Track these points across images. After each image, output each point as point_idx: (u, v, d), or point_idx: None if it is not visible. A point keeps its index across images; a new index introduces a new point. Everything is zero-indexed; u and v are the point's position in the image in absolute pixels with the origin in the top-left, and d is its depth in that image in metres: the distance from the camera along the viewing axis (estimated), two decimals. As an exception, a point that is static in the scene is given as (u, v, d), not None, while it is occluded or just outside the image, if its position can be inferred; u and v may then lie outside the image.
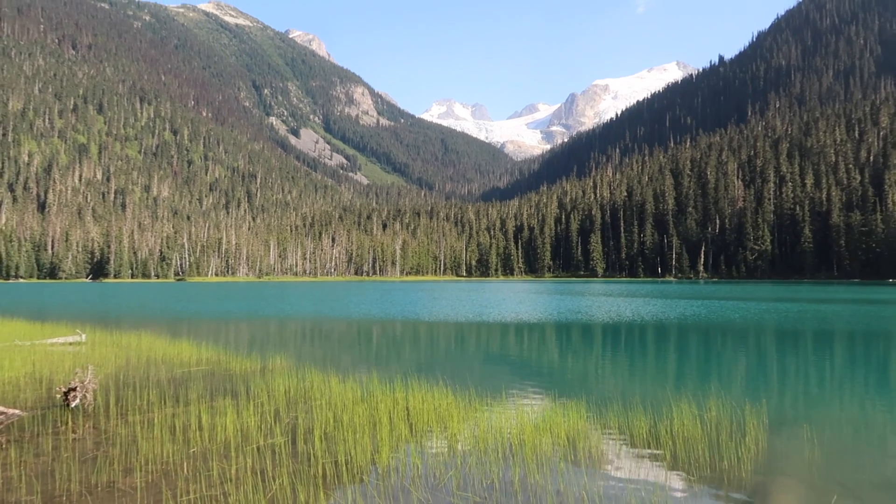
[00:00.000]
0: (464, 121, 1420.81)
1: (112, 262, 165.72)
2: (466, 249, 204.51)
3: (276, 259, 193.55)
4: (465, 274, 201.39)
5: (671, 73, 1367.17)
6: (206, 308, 46.17)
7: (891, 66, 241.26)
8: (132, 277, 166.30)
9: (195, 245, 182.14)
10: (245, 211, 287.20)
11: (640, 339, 24.70)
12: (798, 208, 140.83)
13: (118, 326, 29.09)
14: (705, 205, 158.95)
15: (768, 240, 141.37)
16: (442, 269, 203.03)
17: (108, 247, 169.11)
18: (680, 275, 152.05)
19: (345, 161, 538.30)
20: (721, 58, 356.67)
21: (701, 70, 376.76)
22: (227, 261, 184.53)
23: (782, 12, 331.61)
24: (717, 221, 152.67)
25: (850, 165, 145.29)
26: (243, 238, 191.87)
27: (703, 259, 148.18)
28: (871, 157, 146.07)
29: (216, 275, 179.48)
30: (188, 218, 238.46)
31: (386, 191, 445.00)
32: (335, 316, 37.84)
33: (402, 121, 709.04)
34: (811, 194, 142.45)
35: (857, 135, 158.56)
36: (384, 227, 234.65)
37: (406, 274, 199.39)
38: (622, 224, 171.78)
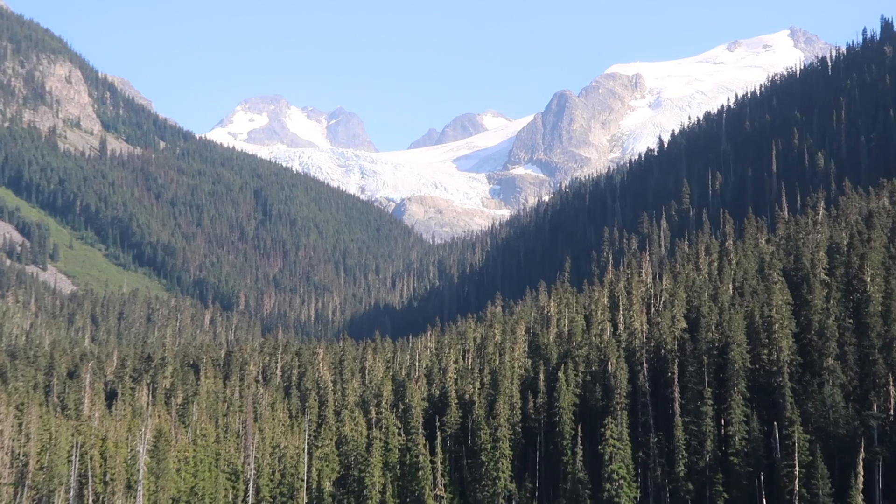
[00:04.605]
0: (310, 148, 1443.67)
1: None
2: (311, 454, 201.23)
3: None
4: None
5: (779, 53, 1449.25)
6: None
7: None
8: None
9: None
10: None
11: None
12: None
13: None
14: (863, 353, 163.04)
15: None
16: (254, 498, 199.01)
17: None
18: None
19: (17, 236, 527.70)
20: (887, 22, 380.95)
21: (844, 48, 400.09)
22: None
23: None
24: (894, 390, 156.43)
25: None
26: None
27: (861, 476, 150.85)
28: None
29: None
30: None
31: (118, 308, 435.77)
32: None
33: (165, 144, 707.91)
34: None
35: None
36: (112, 397, 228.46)
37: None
38: (676, 395, 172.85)
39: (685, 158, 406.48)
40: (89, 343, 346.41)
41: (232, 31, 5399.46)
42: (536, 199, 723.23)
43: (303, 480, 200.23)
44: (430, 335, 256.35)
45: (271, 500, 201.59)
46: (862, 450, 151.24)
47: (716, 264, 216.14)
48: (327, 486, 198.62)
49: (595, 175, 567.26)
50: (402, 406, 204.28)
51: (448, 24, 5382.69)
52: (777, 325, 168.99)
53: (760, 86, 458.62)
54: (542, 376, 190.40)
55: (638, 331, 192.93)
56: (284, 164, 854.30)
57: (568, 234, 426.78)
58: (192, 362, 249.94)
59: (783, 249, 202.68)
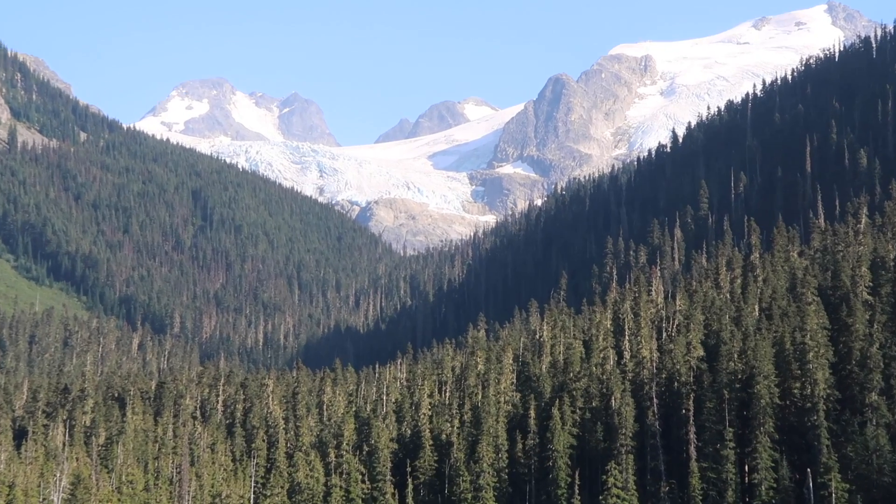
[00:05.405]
0: (258, 142, 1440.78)
1: None
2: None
3: None
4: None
5: (814, 32, 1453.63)
6: None
7: None
8: None
9: None
10: None
11: None
12: None
13: None
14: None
15: None
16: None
17: None
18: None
19: None
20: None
21: (891, 26, 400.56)
22: None
23: None
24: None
25: None
26: None
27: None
28: None
29: None
30: None
31: (29, 330, 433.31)
32: None
33: (86, 136, 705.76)
34: None
35: None
36: (21, 436, 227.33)
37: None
38: (692, 435, 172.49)
39: (703, 156, 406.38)
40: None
41: (167, 3, 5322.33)
42: (527, 202, 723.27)
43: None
44: (401, 364, 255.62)
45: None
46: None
47: (739, 281, 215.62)
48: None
49: (597, 175, 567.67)
50: (366, 448, 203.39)
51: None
52: (811, 354, 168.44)
53: (792, 70, 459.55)
54: (532, 413, 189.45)
55: (647, 360, 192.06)
56: (228, 160, 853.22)
57: (564, 245, 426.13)
58: (116, 395, 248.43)
59: (819, 264, 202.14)
